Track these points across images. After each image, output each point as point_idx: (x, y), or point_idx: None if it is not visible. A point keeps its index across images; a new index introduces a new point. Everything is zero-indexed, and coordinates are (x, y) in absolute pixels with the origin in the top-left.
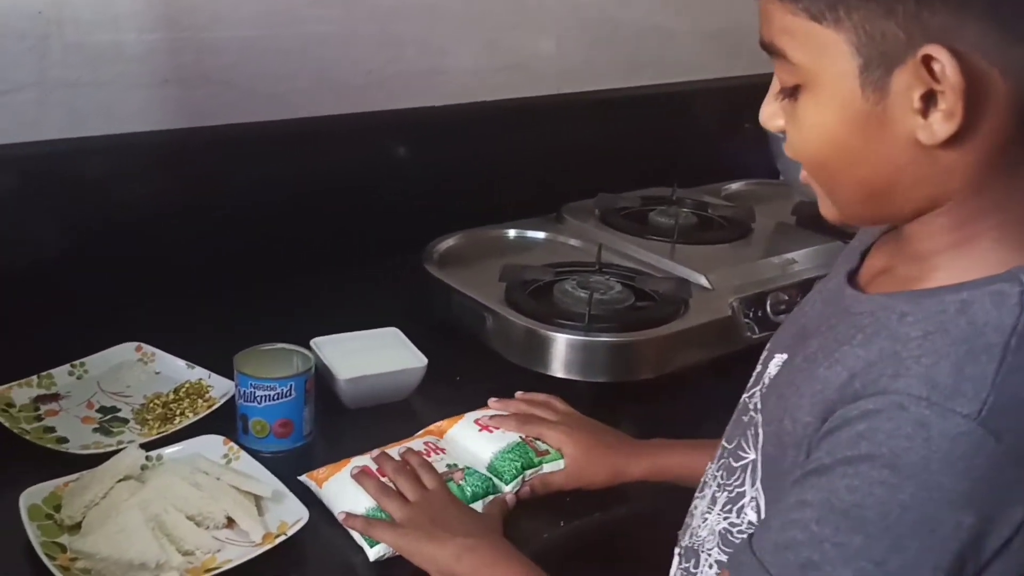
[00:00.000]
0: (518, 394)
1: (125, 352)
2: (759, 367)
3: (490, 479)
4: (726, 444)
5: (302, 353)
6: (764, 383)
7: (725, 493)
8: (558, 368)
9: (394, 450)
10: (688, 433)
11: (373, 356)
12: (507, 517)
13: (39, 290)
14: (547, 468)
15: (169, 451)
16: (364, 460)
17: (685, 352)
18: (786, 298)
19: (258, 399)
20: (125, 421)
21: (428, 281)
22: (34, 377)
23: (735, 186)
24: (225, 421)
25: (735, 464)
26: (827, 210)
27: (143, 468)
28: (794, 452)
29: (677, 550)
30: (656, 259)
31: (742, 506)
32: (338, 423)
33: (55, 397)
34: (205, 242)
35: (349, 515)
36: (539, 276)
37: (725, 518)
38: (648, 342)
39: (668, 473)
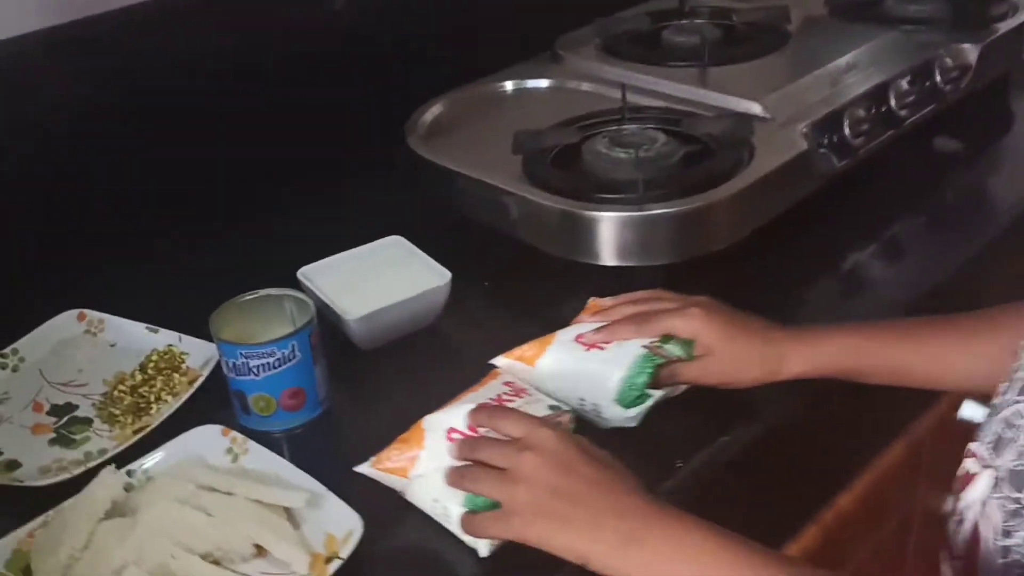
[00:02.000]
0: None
1: (65, 324)
2: None
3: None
4: None
5: (294, 296)
6: None
7: None
8: (608, 255)
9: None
10: (787, 304)
11: (381, 279)
12: None
13: None
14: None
15: (155, 460)
16: (445, 418)
17: (763, 207)
18: (863, 114)
19: (254, 371)
20: (88, 422)
21: (420, 167)
22: None
23: None
24: (213, 398)
25: None
26: None
27: (127, 490)
28: None
29: (993, 474)
30: (688, 91)
31: None
32: (357, 372)
33: None
34: (133, 161)
35: (467, 516)
36: (561, 139)
37: None
38: (721, 204)
39: (835, 367)
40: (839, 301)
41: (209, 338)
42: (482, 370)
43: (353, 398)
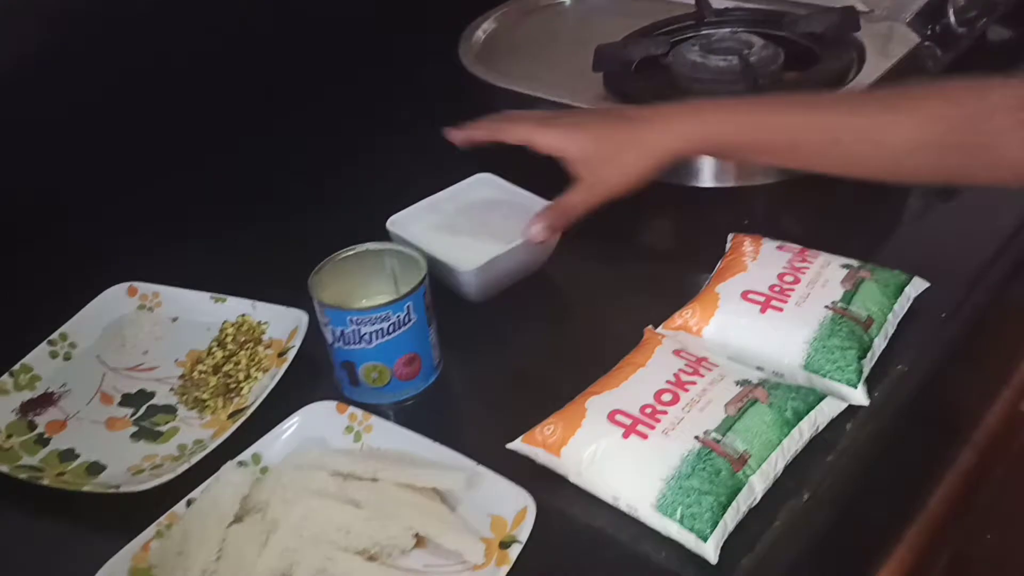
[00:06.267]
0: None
1: (115, 301)
2: None
3: (809, 389)
4: None
5: (397, 251)
6: None
7: None
8: (708, 176)
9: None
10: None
11: (480, 223)
12: None
13: None
14: (880, 343)
15: (271, 448)
16: (611, 399)
17: None
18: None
19: (366, 338)
20: (170, 410)
21: (481, 92)
22: (4, 376)
23: None
24: (301, 370)
25: None
26: None
27: None
28: None
29: None
30: None
31: None
32: (464, 330)
33: (49, 399)
34: (157, 108)
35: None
36: (647, 50)
37: None
38: None
39: (725, 139)
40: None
41: (284, 302)
42: (599, 319)
43: (464, 360)
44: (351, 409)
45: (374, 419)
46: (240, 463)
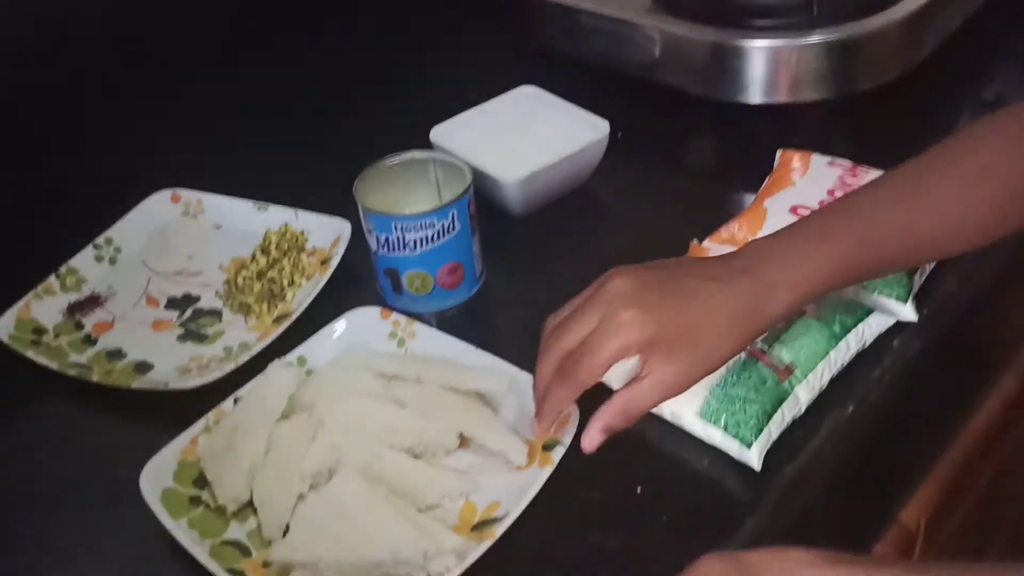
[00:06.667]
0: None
1: (159, 207)
2: None
3: (857, 303)
4: None
5: (441, 160)
6: None
7: None
8: (757, 92)
9: None
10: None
11: (525, 135)
12: None
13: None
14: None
15: (316, 352)
16: None
17: (935, 28)
18: None
19: (410, 245)
20: (216, 314)
21: (525, 5)
22: (51, 278)
23: None
24: (345, 278)
25: None
26: None
27: None
28: None
29: None
30: None
31: None
32: (507, 242)
33: (95, 301)
34: (198, 13)
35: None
36: None
37: None
38: (900, 25)
39: (832, 280)
40: None
41: (328, 211)
42: (643, 234)
43: (507, 271)
44: (395, 315)
45: (418, 325)
46: (287, 364)
